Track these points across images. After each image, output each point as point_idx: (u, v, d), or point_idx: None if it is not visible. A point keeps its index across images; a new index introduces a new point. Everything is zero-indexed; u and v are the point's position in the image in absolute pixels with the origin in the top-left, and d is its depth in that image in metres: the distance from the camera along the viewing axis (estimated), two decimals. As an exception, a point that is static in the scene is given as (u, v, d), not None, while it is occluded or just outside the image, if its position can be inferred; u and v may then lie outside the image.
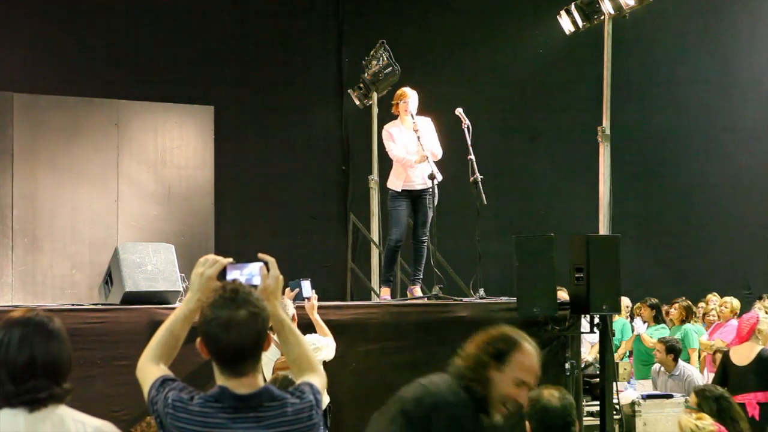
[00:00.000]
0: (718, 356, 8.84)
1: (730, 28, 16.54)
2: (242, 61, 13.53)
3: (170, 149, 11.09)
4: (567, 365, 7.89)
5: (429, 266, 9.02)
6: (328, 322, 7.25)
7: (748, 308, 11.05)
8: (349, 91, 12.90)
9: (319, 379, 3.39)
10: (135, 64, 12.81)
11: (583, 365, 8.60)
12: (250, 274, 3.35)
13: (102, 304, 7.74)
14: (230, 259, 3.37)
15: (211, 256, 3.38)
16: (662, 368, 9.55)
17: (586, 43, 12.58)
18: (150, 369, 3.30)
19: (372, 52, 11.94)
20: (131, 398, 5.76)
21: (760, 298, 11.81)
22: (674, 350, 9.47)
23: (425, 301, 8.77)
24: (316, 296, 7.35)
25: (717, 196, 16.04)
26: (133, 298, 7.51)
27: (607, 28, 11.00)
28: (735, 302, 11.15)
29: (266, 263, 3.35)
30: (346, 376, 7.62)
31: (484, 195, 8.76)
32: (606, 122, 10.87)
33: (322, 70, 14.10)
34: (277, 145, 13.64)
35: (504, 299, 8.72)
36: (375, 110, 12.07)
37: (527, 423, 4.14)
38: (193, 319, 3.31)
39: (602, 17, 11.02)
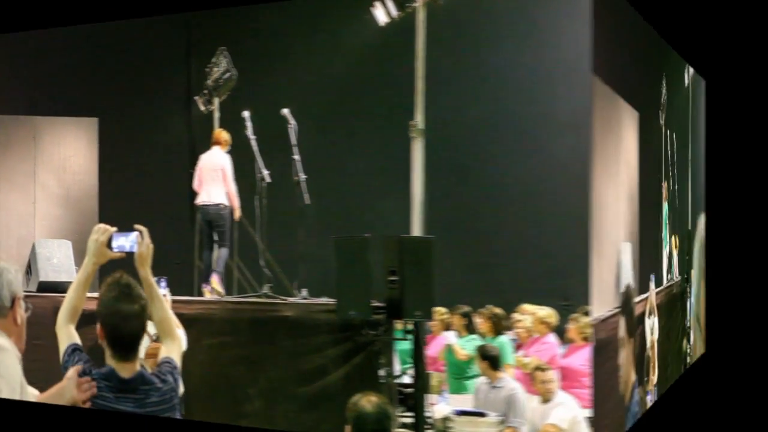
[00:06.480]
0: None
1: (547, 7, 12.91)
2: (121, 74, 12.95)
3: (67, 157, 11.71)
4: (381, 372, 7.58)
5: (259, 265, 9.02)
6: (179, 315, 6.58)
7: (565, 321, 9.44)
8: (195, 97, 12.69)
9: (177, 346, 3.78)
10: (44, 83, 12.43)
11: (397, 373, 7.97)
12: (132, 241, 3.80)
13: (25, 292, 9.62)
14: (115, 228, 3.89)
15: (102, 225, 3.88)
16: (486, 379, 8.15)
17: (401, 34, 11.29)
18: (64, 331, 3.72)
19: (213, 59, 11.93)
20: (45, 372, 5.23)
21: (575, 314, 9.18)
22: (488, 357, 8.06)
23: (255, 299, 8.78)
24: (169, 293, 7.47)
25: (531, 193, 12.59)
26: (46, 287, 8.91)
27: (420, 16, 10.37)
28: (543, 312, 9.43)
29: (141, 232, 3.84)
30: (195, 367, 7.60)
31: (306, 195, 8.68)
32: (419, 116, 10.22)
33: (173, 78, 13.53)
34: (146, 151, 13.08)
35: (324, 300, 8.32)
36: (216, 114, 12.23)
37: (346, 426, 4.21)
38: (91, 281, 3.79)
39: (415, 4, 10.36)
